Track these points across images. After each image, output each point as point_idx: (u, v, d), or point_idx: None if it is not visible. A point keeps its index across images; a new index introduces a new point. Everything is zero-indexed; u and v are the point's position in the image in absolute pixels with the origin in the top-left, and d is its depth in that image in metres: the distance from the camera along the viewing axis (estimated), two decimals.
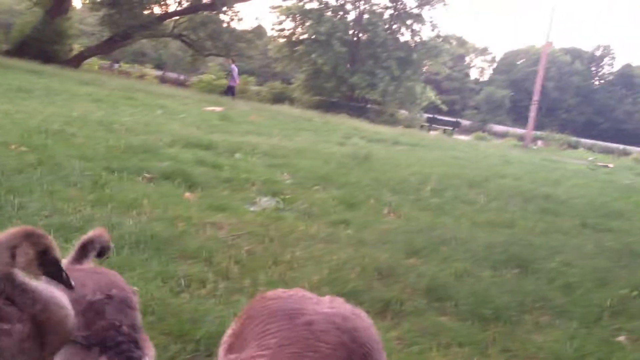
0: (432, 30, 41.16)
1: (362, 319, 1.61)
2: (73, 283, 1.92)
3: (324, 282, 4.04)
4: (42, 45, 25.50)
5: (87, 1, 33.28)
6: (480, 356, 3.32)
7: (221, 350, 1.62)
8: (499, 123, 58.58)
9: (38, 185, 5.32)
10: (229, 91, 27.42)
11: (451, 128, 35.34)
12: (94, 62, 34.99)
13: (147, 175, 6.67)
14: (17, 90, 12.96)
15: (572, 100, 70.97)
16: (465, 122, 49.69)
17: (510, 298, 4.23)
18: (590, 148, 36.65)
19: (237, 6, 34.63)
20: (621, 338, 3.82)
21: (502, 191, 9.11)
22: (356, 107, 36.93)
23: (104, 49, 33.50)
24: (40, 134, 7.83)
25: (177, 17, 33.96)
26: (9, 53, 24.66)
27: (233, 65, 28.13)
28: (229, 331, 1.77)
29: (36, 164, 6.08)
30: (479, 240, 5.82)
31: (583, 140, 44.78)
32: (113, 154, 7.51)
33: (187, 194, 6.23)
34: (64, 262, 2.19)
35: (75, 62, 28.58)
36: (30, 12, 31.33)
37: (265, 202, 6.39)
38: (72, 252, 2.40)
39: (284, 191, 7.06)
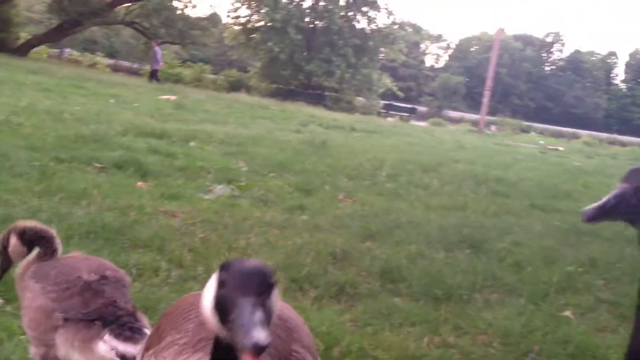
0: (388, 17, 41.33)
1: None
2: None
3: (279, 267, 4.04)
4: None
5: None
6: (432, 334, 3.39)
7: (139, 352, 1.63)
8: (454, 109, 59.46)
9: None
10: (154, 75, 26.35)
11: (407, 114, 35.69)
12: (42, 50, 33.87)
13: (97, 165, 6.54)
14: None
15: (524, 85, 72.52)
16: (421, 109, 50.25)
17: (462, 278, 4.32)
18: (541, 132, 37.63)
19: None
20: (567, 312, 3.96)
21: (455, 175, 9.27)
22: (313, 95, 36.87)
23: (53, 36, 32.46)
24: None
25: (129, 4, 33.16)
26: None
27: (156, 48, 27.08)
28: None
29: None
30: (432, 223, 5.91)
31: (535, 124, 45.94)
32: (62, 143, 7.33)
33: (140, 183, 6.14)
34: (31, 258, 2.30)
35: (23, 50, 27.67)
36: None
37: (220, 189, 6.34)
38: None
39: (239, 179, 7.02)
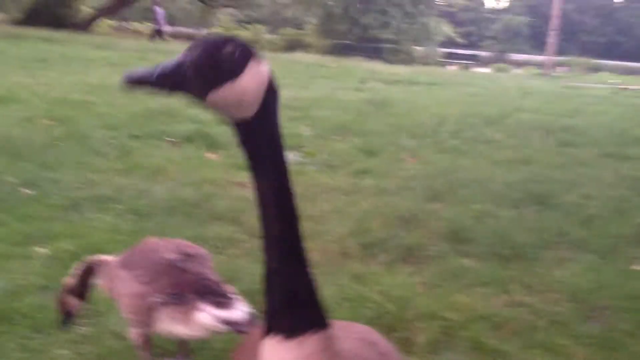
0: None
1: None
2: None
3: (350, 234, 4.21)
4: (52, 10, 25.45)
5: None
6: (502, 293, 3.50)
7: None
8: (519, 52, 57.23)
9: (68, 158, 5.55)
10: (156, 35, 26.39)
11: (469, 61, 34.78)
12: (103, 23, 34.77)
13: (169, 139, 6.85)
14: (33, 60, 13.12)
15: (593, 20, 68.85)
16: (483, 54, 48.77)
17: (529, 235, 4.37)
18: (613, 70, 35.81)
19: None
20: (637, 266, 3.96)
21: (520, 127, 9.13)
22: (371, 48, 36.40)
23: (113, 9, 33.26)
24: (63, 105, 8.02)
25: None
26: (21, 22, 24.70)
27: (157, 8, 27.13)
28: None
29: (64, 137, 6.29)
30: (497, 179, 5.92)
31: (606, 62, 43.72)
32: (134, 120, 7.68)
33: (210, 155, 6.41)
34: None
35: (86, 25, 28.51)
36: None
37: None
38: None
39: (304, 144, 7.20)
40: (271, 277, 1.18)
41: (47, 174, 4.97)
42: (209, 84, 1.12)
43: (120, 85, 1.10)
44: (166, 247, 2.41)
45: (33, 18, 24.55)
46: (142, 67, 1.12)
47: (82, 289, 2.55)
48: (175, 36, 40.50)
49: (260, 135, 1.17)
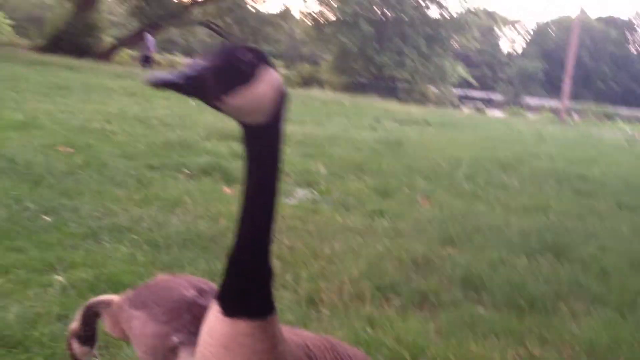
0: (460, 4, 40.57)
1: None
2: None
3: (364, 275, 4.21)
4: (75, 39, 26.03)
5: None
6: (517, 346, 3.46)
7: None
8: (533, 96, 57.51)
9: (87, 187, 5.61)
10: (145, 61, 26.98)
11: (483, 104, 34.98)
12: (124, 53, 35.47)
13: (186, 171, 6.91)
14: (55, 87, 13.38)
15: (608, 68, 69.24)
16: (497, 97, 49.03)
17: (545, 286, 4.34)
18: (629, 118, 35.77)
19: None
20: None
21: (536, 173, 9.13)
22: (385, 87, 36.78)
23: (135, 39, 33.94)
24: (83, 133, 8.14)
25: (204, 4, 34.16)
26: (44, 49, 25.23)
27: (148, 36, 27.84)
28: None
29: (83, 165, 6.37)
30: (513, 226, 5.91)
31: (621, 109, 43.76)
32: (153, 150, 7.77)
33: (226, 189, 6.45)
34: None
35: (107, 54, 29.09)
36: (60, 5, 31.92)
37: (302, 194, 6.57)
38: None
39: (319, 182, 7.24)
40: (234, 258, 1.30)
41: (67, 202, 5.02)
42: (226, 88, 1.20)
43: (145, 84, 1.17)
44: (181, 283, 2.37)
45: (56, 45, 25.10)
46: (165, 72, 1.20)
47: (88, 334, 2.43)
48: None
49: (266, 138, 1.27)
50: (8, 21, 39.56)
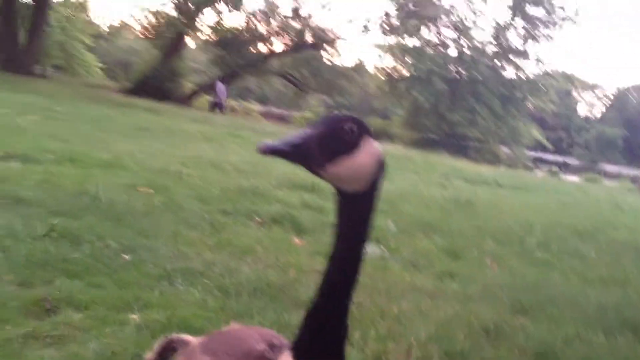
0: (538, 66, 40.16)
1: None
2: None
3: (432, 339, 4.12)
4: (159, 83, 27.39)
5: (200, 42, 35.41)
6: None
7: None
8: (611, 163, 55.57)
9: (164, 228, 5.80)
10: (216, 107, 27.70)
11: (558, 168, 34.08)
12: (203, 98, 36.96)
13: (257, 219, 7.05)
14: (139, 129, 14.04)
15: None
16: (573, 161, 47.70)
17: None
18: None
19: (339, 44, 35.64)
20: None
21: (614, 244, 8.76)
22: (456, 145, 36.50)
23: (213, 86, 35.39)
24: (162, 175, 8.47)
25: (282, 56, 35.34)
26: (130, 91, 26.68)
27: (219, 84, 28.61)
28: None
29: (161, 206, 6.61)
30: (589, 299, 5.66)
31: None
32: (226, 196, 7.97)
33: (296, 240, 6.53)
34: None
35: (187, 99, 30.39)
36: (148, 52, 33.80)
37: (371, 250, 6.55)
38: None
39: (388, 238, 7.20)
40: (314, 314, 1.34)
41: (144, 242, 5.21)
42: (330, 157, 1.26)
43: (256, 151, 1.24)
44: (252, 335, 2.42)
45: (141, 89, 26.49)
46: (274, 140, 1.28)
47: None
48: (266, 115, 42.37)
49: (360, 205, 1.32)
50: (99, 64, 42.22)
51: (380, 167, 1.32)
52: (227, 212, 7.05)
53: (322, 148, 1.27)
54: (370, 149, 1.31)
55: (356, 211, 1.33)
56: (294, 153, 1.26)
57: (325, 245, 6.40)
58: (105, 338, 3.36)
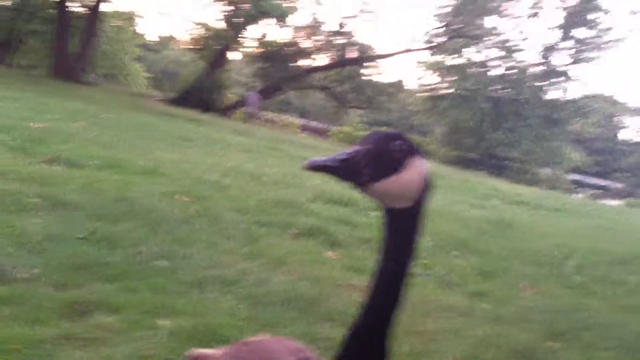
0: (582, 88, 39.39)
1: None
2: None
3: (465, 359, 4.08)
4: (203, 94, 27.86)
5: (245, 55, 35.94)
6: None
7: None
8: None
9: (200, 236, 5.90)
10: (248, 117, 28.60)
11: (598, 192, 33.28)
12: (239, 111, 37.43)
13: (292, 231, 7.09)
14: (181, 139, 14.30)
15: None
16: (614, 185, 46.52)
17: None
18: None
19: (381, 60, 35.67)
20: None
21: None
22: (495, 165, 36.02)
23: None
24: (200, 184, 8.62)
25: (325, 70, 35.55)
26: (173, 101, 27.22)
27: (252, 94, 29.62)
28: None
29: (198, 215, 6.71)
30: (627, 327, 5.51)
31: None
32: (262, 207, 8.05)
33: (329, 253, 6.54)
34: None
35: (230, 110, 30.83)
36: (194, 63, 34.46)
37: None
38: None
39: (423, 255, 7.15)
40: (357, 333, 1.35)
41: (179, 249, 5.31)
42: (377, 174, 1.27)
43: (303, 168, 1.27)
44: (281, 348, 2.40)
45: (185, 99, 26.98)
46: (322, 157, 1.30)
47: None
48: (305, 128, 42.64)
49: (406, 222, 1.33)
50: (145, 74, 43.25)
51: (427, 186, 1.34)
52: (263, 223, 7.12)
53: (370, 165, 1.28)
54: (418, 168, 1.32)
55: (402, 228, 1.35)
56: (341, 169, 1.27)
57: (359, 260, 6.42)
58: (136, 342, 3.43)
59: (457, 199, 14.36)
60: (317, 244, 6.75)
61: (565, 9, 37.82)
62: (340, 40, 34.61)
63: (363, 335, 1.34)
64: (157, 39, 62.80)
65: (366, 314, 1.35)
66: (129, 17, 39.35)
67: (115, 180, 7.77)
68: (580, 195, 31.50)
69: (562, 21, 37.92)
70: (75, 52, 27.61)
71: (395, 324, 1.35)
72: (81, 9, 29.75)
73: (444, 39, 36.24)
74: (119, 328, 3.63)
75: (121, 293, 4.16)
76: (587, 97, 39.18)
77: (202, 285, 4.65)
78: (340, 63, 34.70)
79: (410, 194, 1.31)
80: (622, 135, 71.04)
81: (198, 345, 2.68)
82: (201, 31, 31.53)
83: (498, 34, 38.40)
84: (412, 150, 1.32)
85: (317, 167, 1.27)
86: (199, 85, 28.17)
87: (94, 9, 27.77)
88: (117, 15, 37.97)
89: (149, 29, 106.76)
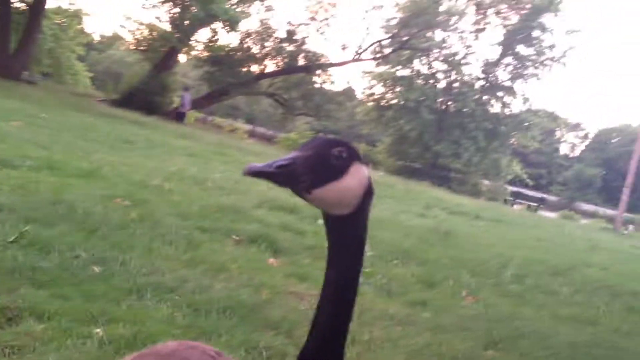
0: (524, 103, 40.73)
1: None
2: None
3: None
4: (147, 96, 27.26)
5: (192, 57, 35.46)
6: None
7: None
8: (588, 202, 56.36)
9: (139, 242, 5.74)
10: (178, 117, 27.99)
11: (536, 204, 34.40)
12: (190, 114, 36.87)
13: (235, 237, 7.00)
14: (123, 141, 13.94)
15: None
16: (551, 198, 48.20)
17: None
18: None
19: (330, 69, 35.87)
20: None
21: (587, 282, 8.82)
22: (439, 175, 36.77)
23: (203, 103, 35.33)
24: (142, 188, 8.40)
25: (273, 77, 35.48)
26: (116, 103, 26.53)
27: (185, 94, 29.21)
28: None
29: (138, 219, 6.53)
30: (560, 336, 5.68)
31: None
32: (205, 213, 7.91)
33: (272, 260, 6.49)
34: None
35: (174, 114, 30.28)
36: (140, 64, 33.75)
37: None
38: None
39: (364, 264, 7.18)
40: (312, 344, 1.33)
41: (117, 254, 5.14)
42: (317, 181, 1.24)
43: (242, 174, 1.23)
44: (192, 354, 2.29)
45: (128, 101, 26.33)
46: (259, 160, 1.29)
47: None
48: (252, 134, 42.40)
49: (349, 231, 1.31)
50: (88, 74, 42.10)
51: (368, 193, 1.32)
52: (205, 229, 6.99)
53: (309, 171, 1.26)
54: (358, 174, 1.29)
55: (344, 235, 1.32)
56: (279, 175, 1.25)
57: (301, 267, 6.39)
58: (66, 350, 3.29)
59: (401, 208, 14.55)
60: (259, 251, 6.68)
61: (505, 26, 39.11)
62: (290, 48, 34.63)
63: (316, 348, 1.33)
64: (100, 38, 61.36)
65: (317, 325, 1.33)
66: (74, 15, 38.21)
67: (52, 182, 7.49)
68: (518, 207, 32.46)
69: (504, 38, 39.18)
70: (16, 49, 26.59)
71: (345, 333, 1.34)
72: (23, 5, 28.72)
73: (390, 50, 36.77)
74: (49, 336, 3.47)
75: (53, 299, 3.99)
76: (529, 111, 40.52)
77: (140, 292, 4.51)
78: (289, 70, 34.71)
79: (351, 201, 1.28)
80: (562, 149, 73.88)
81: (130, 354, 2.58)
82: (146, 32, 30.87)
83: (444, 48, 39.30)
84: (353, 157, 1.29)
85: (255, 173, 1.24)
86: (144, 87, 27.55)
87: (35, 5, 26.82)
88: (62, 12, 36.84)
89: (95, 28, 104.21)
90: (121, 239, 5.65)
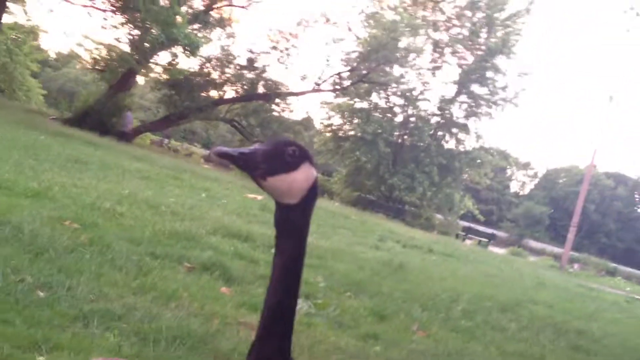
0: (477, 141, 41.73)
1: None
2: None
3: None
4: (102, 117, 26.78)
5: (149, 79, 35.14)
6: None
7: None
8: (536, 239, 57.81)
9: (87, 266, 5.58)
10: (124, 137, 27.77)
11: (487, 240, 35.06)
12: (146, 136, 36.39)
13: (187, 264, 6.89)
14: (73, 161, 13.61)
15: (613, 225, 69.81)
16: (501, 234, 49.22)
17: None
18: (628, 277, 35.65)
19: (290, 98, 36.06)
20: None
21: (533, 319, 9.00)
22: (393, 208, 37.14)
23: (159, 126, 34.93)
24: (93, 211, 8.21)
25: (232, 104, 35.42)
26: (69, 121, 25.94)
27: (128, 114, 29.56)
28: None
29: (87, 243, 6.37)
30: None
31: (622, 267, 43.68)
32: (158, 238, 7.77)
33: (224, 289, 6.40)
34: None
35: (130, 135, 29.84)
36: (96, 84, 33.23)
37: (298, 305, 6.49)
38: None
39: (316, 295, 7.17)
40: (265, 318, 1.52)
41: (64, 279, 4.99)
42: (270, 171, 1.49)
43: (209, 155, 1.41)
44: None
45: (82, 120, 25.80)
46: (228, 147, 1.51)
47: None
48: (208, 159, 41.99)
49: (294, 218, 1.54)
50: (42, 91, 41.18)
51: (313, 188, 1.55)
52: (157, 255, 6.86)
53: (267, 162, 1.50)
54: (306, 172, 1.53)
55: (289, 221, 1.54)
56: (242, 159, 1.49)
57: (253, 297, 6.32)
58: None
59: (356, 240, 14.62)
60: (211, 279, 6.59)
61: (461, 66, 40.26)
62: (250, 75, 34.71)
63: (266, 327, 1.51)
64: (58, 56, 60.29)
65: (266, 306, 1.52)
66: (30, 31, 37.49)
67: None
68: (469, 242, 33.01)
69: (459, 77, 40.28)
70: None
71: (294, 313, 1.54)
72: None
73: (349, 82, 37.27)
74: None
75: None
76: (481, 149, 41.51)
77: (86, 319, 4.38)
78: (248, 97, 34.74)
79: (297, 192, 1.51)
80: (512, 187, 75.84)
81: None
82: (104, 52, 30.44)
83: (402, 83, 40.07)
84: (304, 156, 1.53)
85: (222, 154, 1.48)
86: (99, 106, 27.07)
87: None
88: (18, 27, 36.09)
89: (52, 45, 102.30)
90: (69, 263, 5.49)
